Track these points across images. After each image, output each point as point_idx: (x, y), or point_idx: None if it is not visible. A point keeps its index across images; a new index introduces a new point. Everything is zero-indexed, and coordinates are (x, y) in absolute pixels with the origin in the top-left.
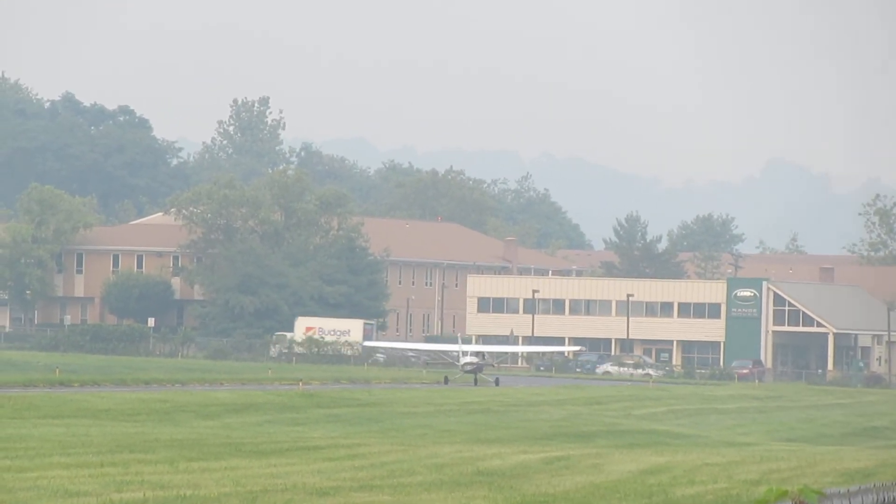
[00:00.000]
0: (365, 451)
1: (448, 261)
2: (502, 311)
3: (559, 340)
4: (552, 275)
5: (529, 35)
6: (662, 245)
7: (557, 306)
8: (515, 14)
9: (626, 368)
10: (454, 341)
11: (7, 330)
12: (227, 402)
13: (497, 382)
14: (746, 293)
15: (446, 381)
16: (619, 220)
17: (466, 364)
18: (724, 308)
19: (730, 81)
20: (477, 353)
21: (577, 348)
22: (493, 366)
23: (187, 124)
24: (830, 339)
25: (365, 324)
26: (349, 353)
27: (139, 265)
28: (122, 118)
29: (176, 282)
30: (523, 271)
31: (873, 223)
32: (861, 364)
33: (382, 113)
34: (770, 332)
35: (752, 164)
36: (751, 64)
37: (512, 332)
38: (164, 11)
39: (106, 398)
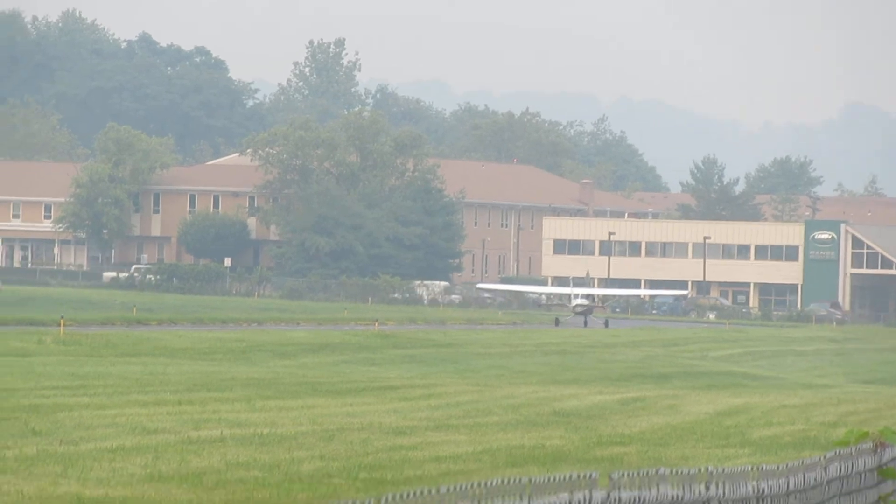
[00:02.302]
0: (441, 392)
1: (524, 203)
2: (578, 253)
3: (635, 283)
4: (628, 217)
5: None
6: (739, 188)
7: (633, 248)
8: None
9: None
10: (531, 283)
11: (84, 269)
12: (303, 341)
13: (606, 324)
14: (824, 235)
15: (557, 322)
16: (695, 162)
17: (577, 306)
18: (801, 250)
19: (810, 23)
20: (587, 296)
21: (683, 292)
22: (603, 308)
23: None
24: None
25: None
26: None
27: (215, 205)
28: (198, 59)
29: (252, 222)
30: (599, 213)
31: None
32: None
33: (459, 55)
34: (848, 274)
35: (831, 107)
36: (831, 5)
37: (588, 273)
38: None
39: (183, 337)
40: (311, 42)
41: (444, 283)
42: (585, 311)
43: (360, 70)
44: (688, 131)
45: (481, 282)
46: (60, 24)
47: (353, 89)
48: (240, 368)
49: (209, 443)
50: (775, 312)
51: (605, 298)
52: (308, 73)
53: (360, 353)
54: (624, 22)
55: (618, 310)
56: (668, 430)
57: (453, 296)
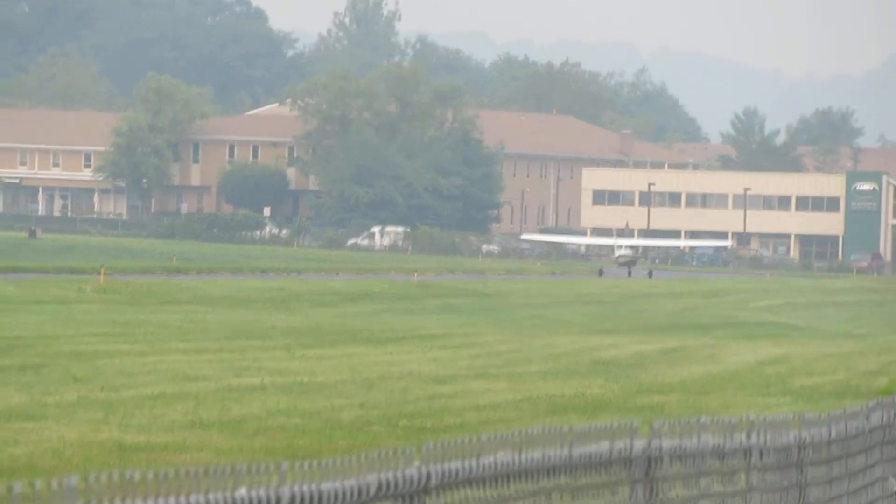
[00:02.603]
0: (480, 341)
1: (563, 153)
2: (617, 204)
3: (675, 234)
4: (668, 168)
5: None
6: (781, 139)
7: (673, 199)
8: None
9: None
10: (570, 234)
11: (124, 218)
12: (342, 290)
13: (650, 274)
14: (866, 187)
15: (601, 272)
16: (736, 113)
17: (621, 256)
18: (843, 201)
19: None
20: (631, 247)
21: (724, 243)
22: (645, 259)
23: (303, 16)
24: None
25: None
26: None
27: (255, 155)
28: (238, 9)
29: (291, 172)
30: (639, 164)
31: None
32: None
33: (500, 5)
34: (890, 225)
35: (874, 58)
36: None
37: (627, 224)
38: None
39: (222, 286)
40: None
41: (402, 229)
42: (629, 262)
43: (399, 20)
44: (729, 82)
45: (521, 233)
46: None
47: (392, 40)
48: (279, 317)
49: (249, 390)
50: (816, 264)
51: (647, 250)
52: (348, 24)
53: (400, 302)
54: None
55: (657, 261)
56: (708, 379)
57: (492, 246)
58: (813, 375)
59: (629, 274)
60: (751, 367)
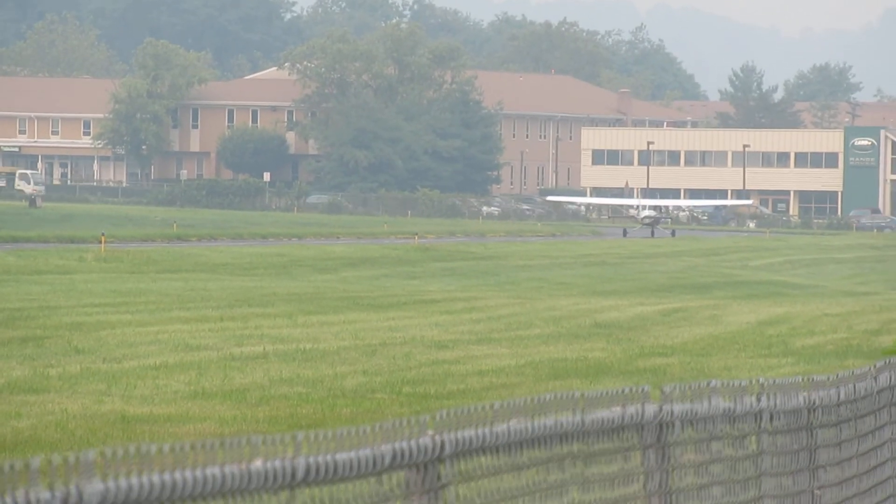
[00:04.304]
0: (482, 305)
1: (562, 113)
2: (617, 164)
3: (675, 192)
4: (667, 126)
5: None
6: (778, 95)
7: (672, 158)
8: None
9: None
10: (570, 193)
11: (124, 185)
12: (343, 255)
13: (673, 234)
14: (864, 142)
15: (625, 233)
16: (734, 70)
17: (645, 217)
18: (841, 157)
19: None
20: (655, 207)
21: (748, 202)
22: (670, 220)
23: None
24: None
25: None
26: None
27: (254, 120)
28: None
29: (290, 136)
30: (638, 123)
31: None
32: None
33: None
34: (888, 180)
35: (870, 12)
36: None
37: (627, 183)
38: None
39: (223, 252)
40: None
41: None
42: (653, 222)
43: None
44: (726, 38)
45: (520, 193)
46: None
47: (390, 1)
48: (281, 283)
49: (252, 359)
50: (816, 220)
51: (670, 210)
52: None
53: (401, 266)
54: None
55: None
56: (710, 341)
57: (492, 208)
58: (814, 335)
59: (652, 234)
60: (752, 328)
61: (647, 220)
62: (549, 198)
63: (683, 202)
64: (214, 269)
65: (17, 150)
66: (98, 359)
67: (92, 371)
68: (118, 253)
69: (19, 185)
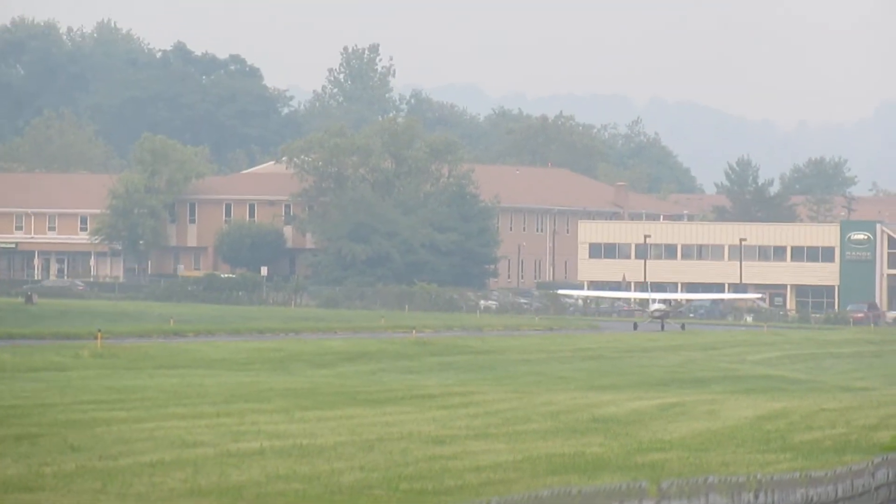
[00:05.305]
0: (479, 399)
1: (559, 207)
2: (614, 257)
3: (672, 286)
4: (664, 219)
5: None
6: (774, 189)
7: (669, 251)
8: None
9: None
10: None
11: (121, 280)
12: (340, 350)
13: (683, 327)
14: (860, 236)
15: (635, 326)
16: (730, 163)
17: (655, 311)
18: (837, 251)
19: (841, 22)
20: (665, 301)
21: (758, 295)
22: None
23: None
24: None
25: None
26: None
27: (251, 214)
28: (233, 67)
29: (288, 230)
30: (634, 216)
31: None
32: None
33: (492, 59)
34: (885, 275)
35: (865, 106)
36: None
37: (624, 277)
38: None
39: (220, 348)
40: (345, 48)
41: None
42: (662, 315)
43: (394, 76)
44: (722, 131)
45: (518, 287)
46: (95, 35)
47: (387, 95)
48: (278, 378)
49: (249, 455)
50: (813, 315)
51: (680, 303)
52: (343, 80)
53: (398, 361)
54: (654, 28)
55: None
56: (708, 436)
57: (490, 301)
58: (812, 430)
59: (662, 327)
60: (750, 423)
61: (656, 314)
62: (561, 291)
63: (693, 296)
64: (211, 365)
65: (13, 246)
66: (94, 456)
67: (87, 469)
68: (114, 349)
69: None
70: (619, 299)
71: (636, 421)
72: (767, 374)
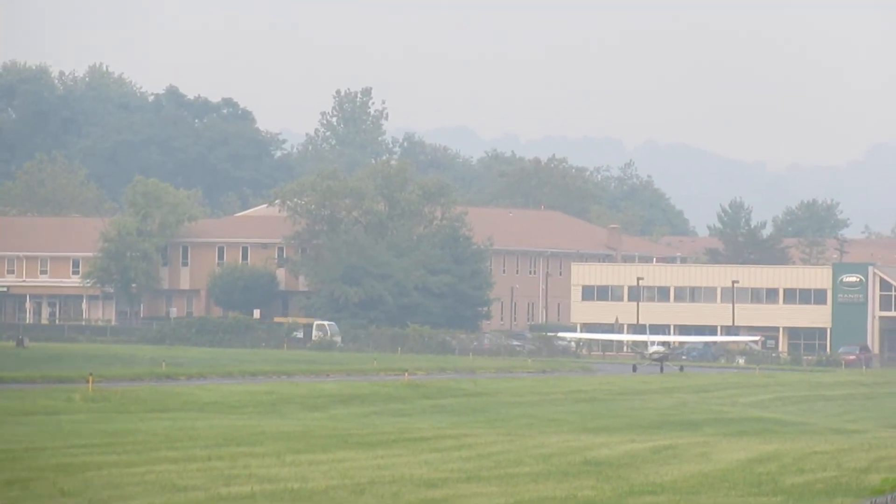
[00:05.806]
0: (472, 442)
1: (552, 249)
2: (607, 299)
3: (664, 328)
4: (656, 262)
5: (630, 25)
6: (767, 231)
7: (662, 294)
8: (614, 4)
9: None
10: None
11: (113, 324)
12: (333, 393)
13: (682, 369)
14: (852, 278)
15: (634, 368)
16: (722, 206)
17: (654, 353)
18: (830, 294)
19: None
20: (663, 343)
21: (756, 338)
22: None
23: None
24: None
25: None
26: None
27: (244, 257)
28: (225, 111)
29: (281, 273)
30: (627, 259)
31: None
32: None
33: (485, 102)
34: (877, 317)
35: (856, 149)
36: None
37: (617, 319)
38: (266, 4)
39: (212, 391)
40: (337, 92)
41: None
42: (661, 358)
43: (386, 119)
44: (714, 173)
45: (515, 329)
46: (87, 79)
47: (380, 138)
48: (270, 421)
49: (240, 499)
50: (805, 357)
51: (679, 345)
52: (335, 123)
53: (391, 403)
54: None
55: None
56: (700, 479)
57: (483, 344)
58: (804, 473)
59: (661, 370)
60: (742, 465)
61: (655, 356)
62: (560, 334)
63: (689, 338)
64: (203, 408)
65: (5, 289)
66: (84, 501)
67: None
68: (106, 392)
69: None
70: (614, 341)
71: (628, 464)
72: (759, 417)
